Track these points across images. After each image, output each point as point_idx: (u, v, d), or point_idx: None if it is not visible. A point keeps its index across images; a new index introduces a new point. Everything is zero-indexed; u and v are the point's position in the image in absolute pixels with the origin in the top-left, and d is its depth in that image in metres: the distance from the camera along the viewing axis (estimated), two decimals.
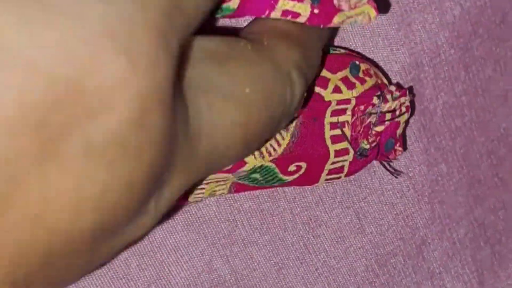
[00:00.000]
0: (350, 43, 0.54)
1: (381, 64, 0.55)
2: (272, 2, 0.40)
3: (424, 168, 0.58)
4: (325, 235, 0.56)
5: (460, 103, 0.58)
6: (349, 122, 0.49)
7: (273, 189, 0.54)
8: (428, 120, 0.57)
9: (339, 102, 0.49)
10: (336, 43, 0.54)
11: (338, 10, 0.44)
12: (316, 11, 0.43)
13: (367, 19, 0.44)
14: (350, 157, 0.50)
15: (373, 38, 0.55)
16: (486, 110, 0.59)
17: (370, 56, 0.55)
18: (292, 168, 0.49)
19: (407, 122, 0.52)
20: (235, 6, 0.39)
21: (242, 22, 0.49)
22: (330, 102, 0.48)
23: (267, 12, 0.40)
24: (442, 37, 0.55)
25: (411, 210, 0.58)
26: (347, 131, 0.49)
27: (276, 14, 0.41)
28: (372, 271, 0.58)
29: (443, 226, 0.60)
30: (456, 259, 0.61)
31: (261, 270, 0.55)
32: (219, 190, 0.49)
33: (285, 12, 0.42)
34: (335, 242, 0.57)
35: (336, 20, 0.44)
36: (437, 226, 0.59)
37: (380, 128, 0.49)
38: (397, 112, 0.49)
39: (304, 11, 0.42)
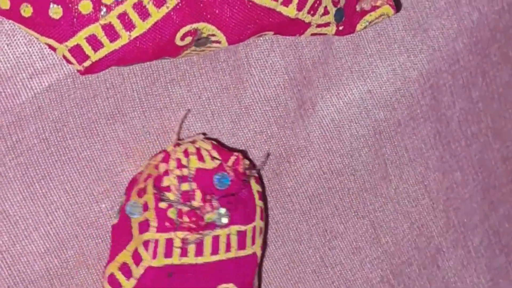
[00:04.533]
0: (366, 50, 0.53)
1: (398, 71, 0.54)
2: (302, 31, 0.45)
3: (439, 176, 0.57)
4: (341, 246, 0.55)
5: (477, 109, 0.56)
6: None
7: (287, 200, 0.53)
8: (444, 127, 0.56)
9: None
10: (351, 50, 0.53)
11: (361, 16, 0.47)
12: (341, 28, 0.47)
13: (385, 18, 0.48)
14: None
15: (389, 45, 0.53)
16: (502, 116, 0.58)
17: (386, 63, 0.53)
18: None
19: None
20: (272, 33, 0.45)
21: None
22: None
23: (297, 35, 0.46)
24: (460, 43, 0.54)
25: (426, 219, 0.57)
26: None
27: (305, 35, 0.46)
28: (388, 281, 0.57)
29: (458, 234, 0.58)
30: (471, 268, 0.60)
31: (277, 284, 0.54)
32: None
33: (313, 34, 0.47)
34: (350, 254, 0.55)
35: (359, 28, 0.47)
36: (452, 234, 0.58)
37: None
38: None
39: (331, 31, 0.47)
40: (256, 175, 0.48)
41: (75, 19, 0.40)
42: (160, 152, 0.47)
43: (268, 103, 0.51)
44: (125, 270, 0.46)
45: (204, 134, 0.49)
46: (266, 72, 0.51)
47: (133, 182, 0.47)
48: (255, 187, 0.48)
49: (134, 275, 0.45)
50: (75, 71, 0.45)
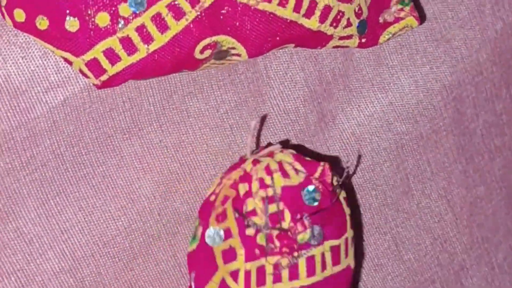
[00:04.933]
0: (387, 61, 0.52)
1: (420, 83, 0.52)
2: (323, 43, 0.44)
3: (463, 190, 0.55)
4: (363, 263, 0.53)
5: (500, 122, 0.55)
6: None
7: None
8: (467, 140, 0.55)
9: None
10: (372, 62, 0.51)
11: (384, 27, 0.46)
12: (363, 40, 0.45)
13: (409, 30, 0.46)
14: None
15: (411, 56, 0.52)
16: None
17: (408, 74, 0.52)
18: None
19: None
20: (293, 45, 0.43)
21: None
22: None
23: (319, 48, 0.45)
24: (484, 54, 0.53)
25: (449, 235, 0.56)
26: None
27: (327, 48, 0.45)
28: None
29: (481, 250, 0.57)
30: (495, 285, 0.58)
31: None
32: None
33: (336, 47, 0.46)
34: (372, 271, 0.54)
35: (381, 40, 0.46)
36: (476, 250, 0.57)
37: None
38: None
39: (353, 44, 0.45)
40: (345, 181, 0.45)
41: (92, 32, 0.39)
42: (233, 168, 0.43)
43: (287, 116, 0.50)
44: None
45: (285, 142, 0.46)
46: (286, 84, 0.49)
47: (208, 205, 0.43)
48: (341, 194, 0.44)
49: None
50: (91, 85, 0.44)
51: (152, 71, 0.41)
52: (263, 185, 0.42)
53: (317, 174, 0.43)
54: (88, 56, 0.40)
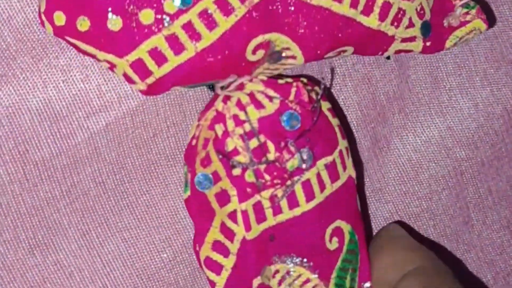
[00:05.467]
0: (445, 84, 0.49)
1: (480, 106, 0.50)
2: (385, 47, 0.42)
3: None
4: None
5: None
6: None
7: None
8: None
9: None
10: (429, 84, 0.49)
11: (449, 31, 0.44)
12: (428, 43, 0.43)
13: (477, 34, 0.44)
14: None
15: (470, 78, 0.50)
16: None
17: (467, 97, 0.50)
18: None
19: None
20: (352, 50, 0.42)
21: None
22: None
23: (380, 53, 0.42)
24: None
25: None
26: None
27: (389, 52, 0.43)
28: None
29: None
30: None
31: None
32: None
33: (398, 51, 0.43)
34: None
35: (448, 45, 0.44)
36: None
37: None
38: None
39: (417, 47, 0.43)
40: (322, 93, 0.42)
41: (136, 30, 0.37)
42: (208, 107, 0.41)
43: None
44: (220, 248, 0.41)
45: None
46: (338, 108, 0.47)
47: (190, 149, 0.42)
48: (324, 106, 0.42)
49: (231, 251, 0.41)
50: (134, 109, 0.43)
51: (201, 74, 0.39)
52: (238, 122, 0.40)
53: (291, 96, 0.41)
54: (133, 56, 0.38)
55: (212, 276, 0.41)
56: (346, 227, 0.43)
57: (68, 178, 0.43)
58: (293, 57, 0.40)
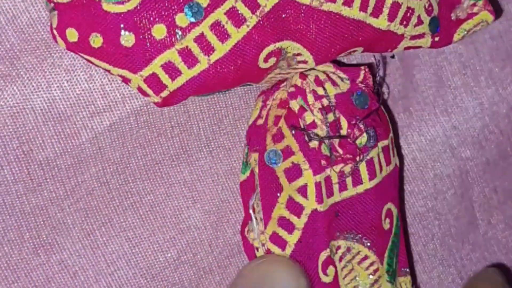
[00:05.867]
0: (450, 83, 0.49)
1: (485, 105, 0.50)
2: (394, 45, 0.42)
3: None
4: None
5: None
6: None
7: None
8: None
9: None
10: (434, 83, 0.49)
11: (457, 24, 0.44)
12: (436, 39, 0.43)
13: (485, 26, 0.44)
14: None
15: (475, 77, 0.49)
16: None
17: (472, 96, 0.49)
18: None
19: None
20: (362, 50, 0.42)
21: None
22: None
23: (389, 51, 0.43)
24: None
25: None
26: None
27: (398, 50, 0.43)
28: None
29: None
30: None
31: None
32: None
33: (407, 48, 0.43)
34: None
35: (456, 38, 0.44)
36: None
37: None
38: None
39: (426, 43, 0.43)
40: (379, 79, 0.45)
41: (148, 45, 0.37)
42: (274, 90, 0.43)
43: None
44: (285, 224, 0.41)
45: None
46: None
47: (256, 129, 0.43)
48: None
49: (297, 226, 0.41)
50: (138, 109, 0.42)
51: (215, 84, 0.39)
52: (317, 96, 0.42)
53: (359, 79, 0.43)
54: (147, 71, 0.37)
55: (278, 251, 0.42)
56: (394, 210, 0.44)
57: (72, 178, 0.43)
58: (305, 62, 0.40)
